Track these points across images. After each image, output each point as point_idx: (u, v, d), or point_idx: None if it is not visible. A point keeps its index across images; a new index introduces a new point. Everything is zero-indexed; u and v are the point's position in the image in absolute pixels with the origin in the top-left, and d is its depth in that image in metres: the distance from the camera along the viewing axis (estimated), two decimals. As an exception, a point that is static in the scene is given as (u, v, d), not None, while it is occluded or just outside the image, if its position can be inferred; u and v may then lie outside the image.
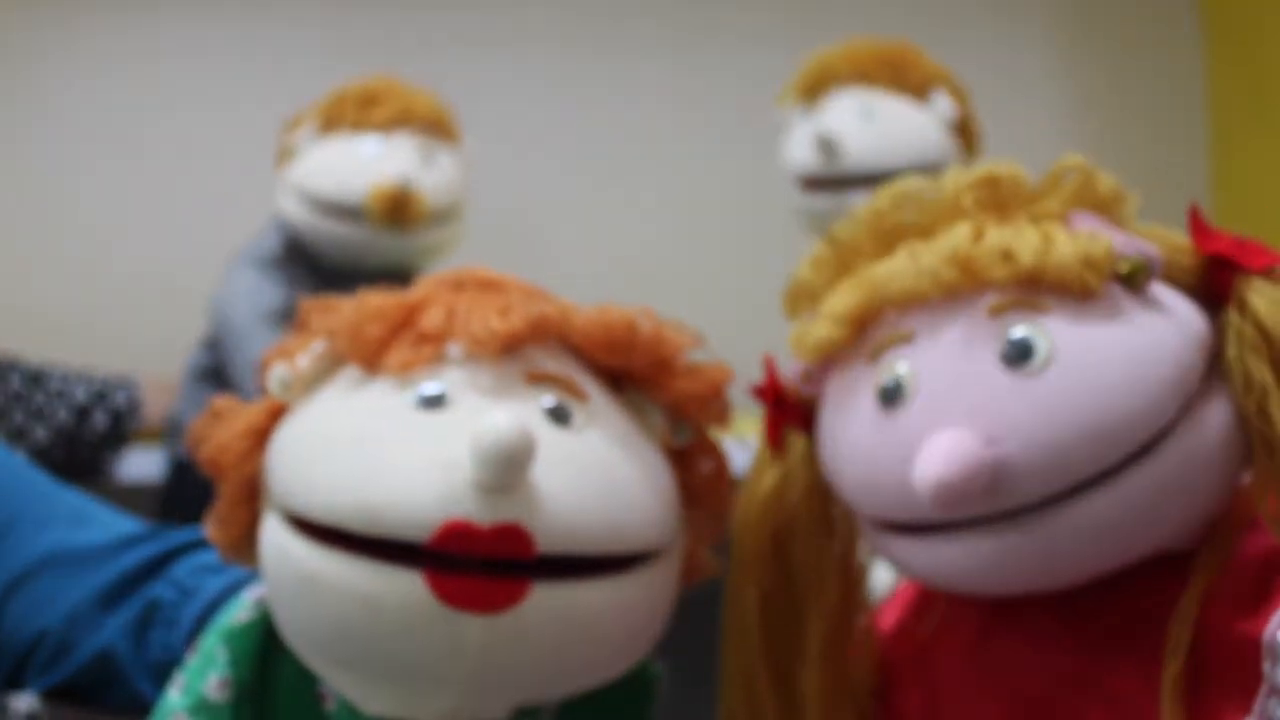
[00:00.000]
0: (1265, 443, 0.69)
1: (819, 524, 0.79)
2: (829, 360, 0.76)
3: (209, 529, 0.77)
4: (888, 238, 0.75)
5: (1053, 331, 0.69)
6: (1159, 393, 0.68)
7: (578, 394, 0.72)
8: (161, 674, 0.87)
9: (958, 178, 0.75)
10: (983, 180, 0.74)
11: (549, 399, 0.71)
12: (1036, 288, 0.70)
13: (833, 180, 1.75)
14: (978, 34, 2.37)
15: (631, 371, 0.76)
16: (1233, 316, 0.71)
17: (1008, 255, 0.70)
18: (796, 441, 0.80)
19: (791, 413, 0.79)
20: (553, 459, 0.67)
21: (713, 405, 0.77)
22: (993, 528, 0.69)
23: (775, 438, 0.80)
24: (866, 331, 0.74)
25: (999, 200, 0.74)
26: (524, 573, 0.67)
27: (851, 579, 0.80)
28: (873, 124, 1.75)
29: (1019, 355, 0.69)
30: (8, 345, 1.97)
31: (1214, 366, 0.71)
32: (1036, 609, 0.74)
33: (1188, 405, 0.69)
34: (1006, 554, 0.69)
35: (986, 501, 0.67)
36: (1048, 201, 0.73)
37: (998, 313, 0.70)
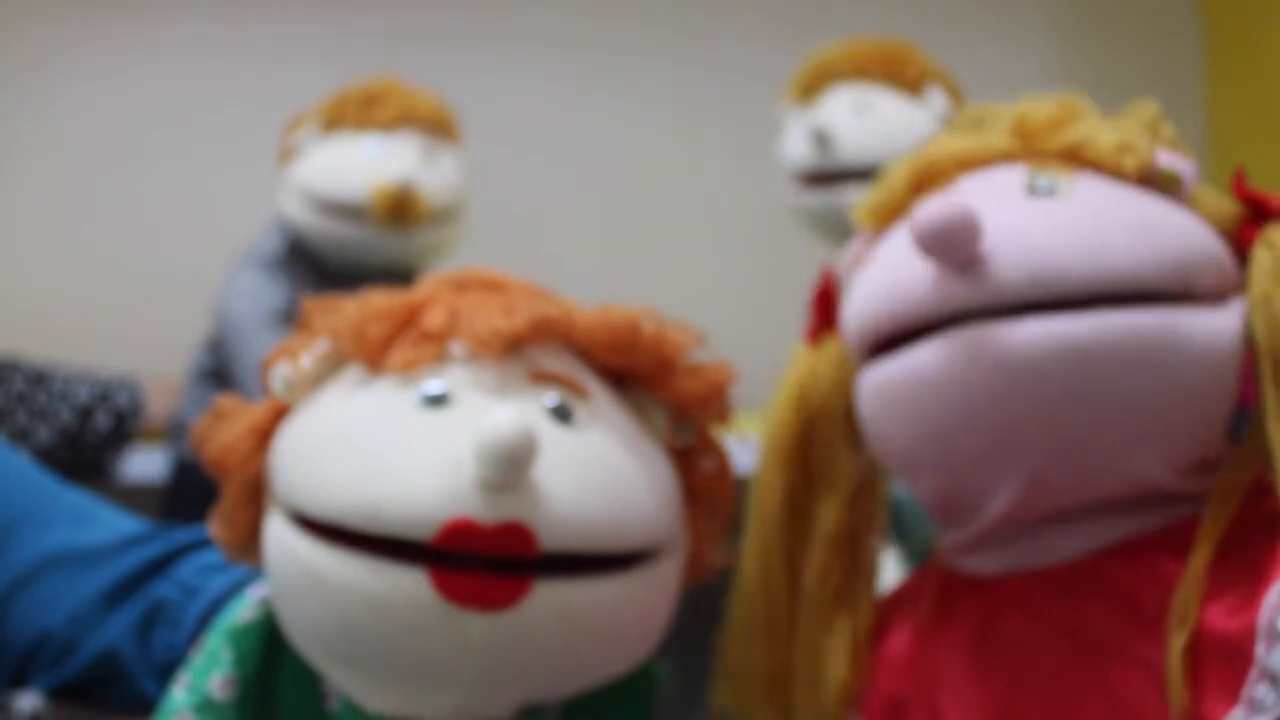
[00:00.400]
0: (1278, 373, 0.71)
1: (840, 419, 0.81)
2: (880, 230, 0.80)
3: (214, 528, 0.77)
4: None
5: (1079, 184, 0.74)
6: (1158, 250, 0.71)
7: (581, 393, 0.72)
8: (165, 673, 0.87)
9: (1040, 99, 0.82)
10: (1061, 104, 0.80)
11: (552, 398, 0.71)
12: (1076, 159, 0.76)
13: (827, 175, 1.76)
14: (977, 34, 2.38)
15: (634, 371, 0.76)
16: (1260, 252, 0.74)
17: (1057, 126, 0.77)
18: (831, 343, 0.82)
19: (835, 320, 0.82)
20: (555, 457, 0.68)
21: (715, 405, 0.77)
22: (973, 324, 0.70)
23: (815, 335, 0.84)
24: (920, 196, 0.78)
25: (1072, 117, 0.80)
26: (527, 571, 0.67)
27: (871, 487, 0.82)
28: (866, 118, 1.75)
29: (1041, 188, 0.74)
30: (10, 346, 1.98)
31: (1229, 295, 0.73)
32: (1037, 600, 0.75)
33: (1190, 295, 0.71)
34: (977, 353, 0.69)
35: (970, 278, 0.69)
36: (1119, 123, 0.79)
37: (1037, 168, 0.75)
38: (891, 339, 0.74)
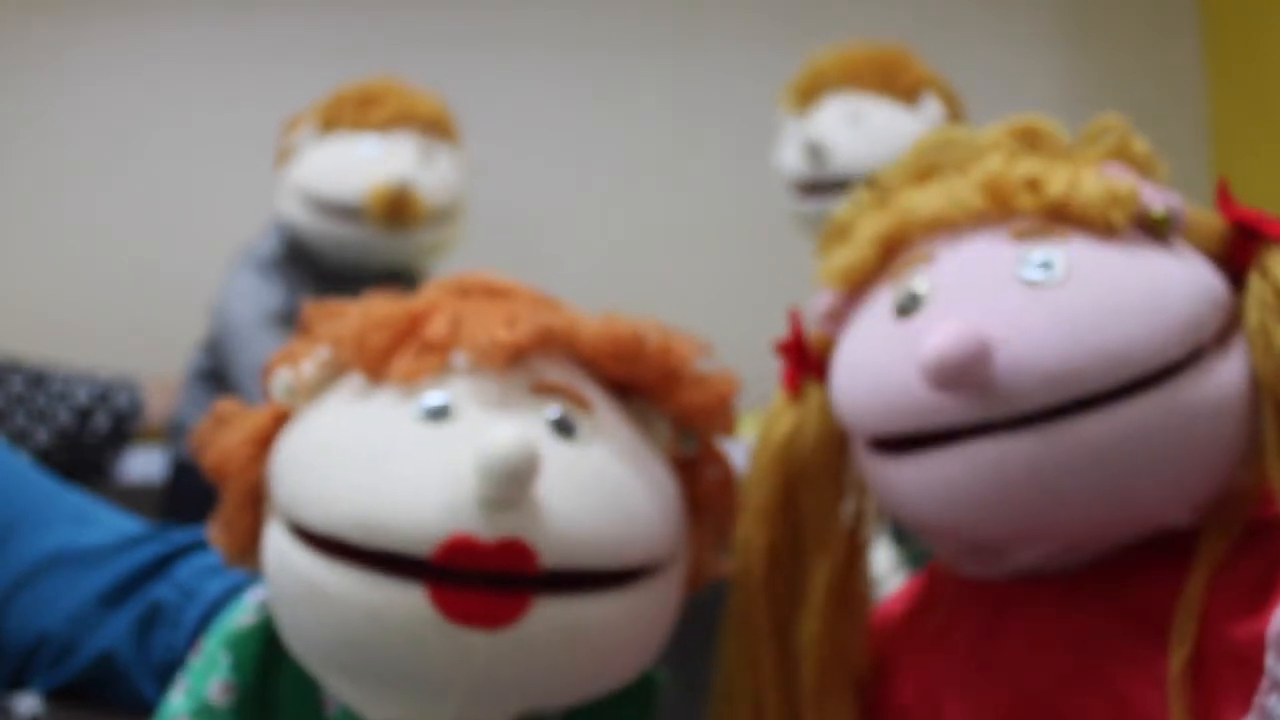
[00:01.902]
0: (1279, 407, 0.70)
1: (829, 475, 0.79)
2: (854, 290, 0.77)
3: (213, 534, 0.77)
4: (925, 176, 0.78)
5: (1072, 255, 0.70)
6: (1170, 324, 0.69)
7: (583, 405, 0.72)
8: (164, 675, 0.87)
9: (997, 126, 0.78)
10: (1022, 128, 0.77)
11: (554, 410, 0.71)
12: (1061, 218, 0.72)
13: (822, 185, 1.76)
14: (978, 35, 2.37)
15: (638, 382, 0.75)
16: (1255, 282, 0.72)
17: (1035, 185, 0.73)
18: (813, 392, 0.80)
19: (812, 365, 0.80)
20: (557, 473, 0.67)
21: (719, 416, 0.76)
22: (992, 436, 0.68)
23: (794, 386, 0.81)
24: (893, 257, 0.76)
25: (1035, 146, 0.76)
26: (527, 587, 0.66)
27: (857, 538, 0.81)
28: (860, 128, 1.76)
29: (1036, 271, 0.70)
30: (9, 346, 1.98)
31: (1231, 331, 0.72)
32: (1041, 604, 0.74)
33: (1199, 353, 0.70)
34: (1003, 468, 0.68)
35: (985, 396, 0.67)
36: (1084, 152, 0.76)
37: (1021, 237, 0.72)
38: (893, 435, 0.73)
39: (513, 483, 0.64)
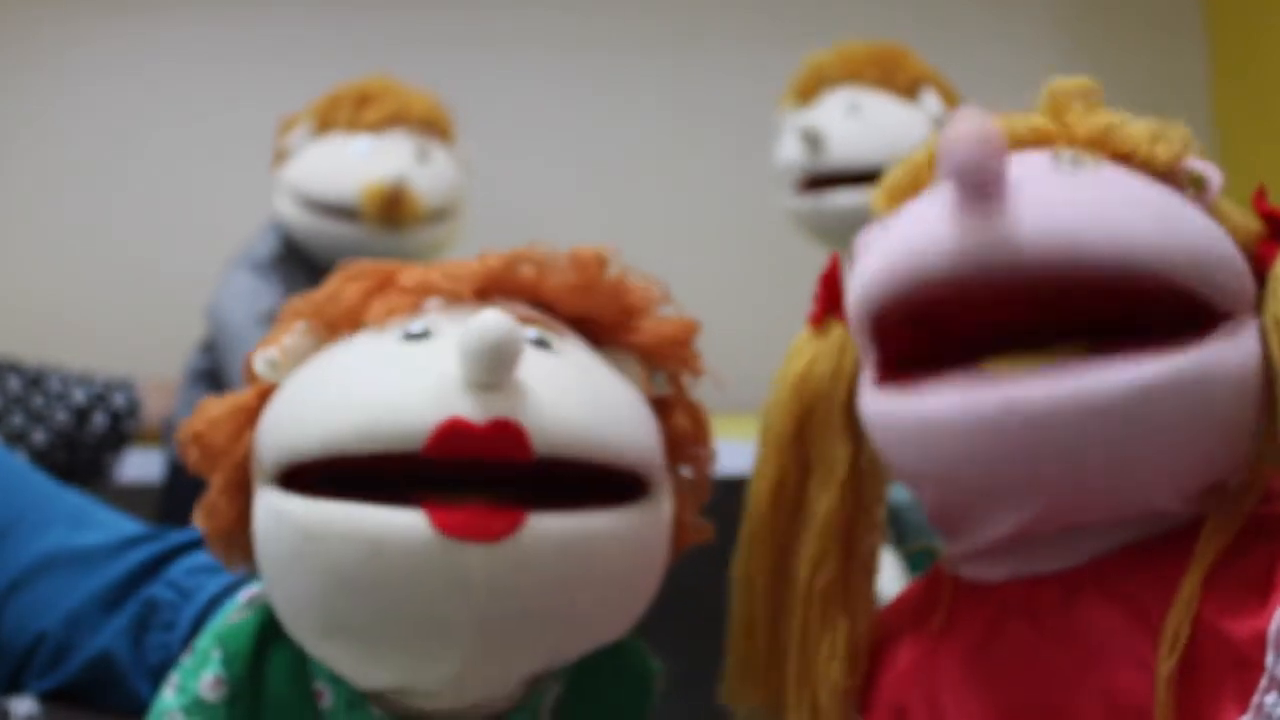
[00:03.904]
0: None
1: (838, 410, 0.80)
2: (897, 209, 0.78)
3: (199, 519, 0.77)
4: None
5: (1105, 167, 0.72)
6: (1182, 241, 0.69)
7: (558, 332, 0.74)
8: (160, 675, 0.87)
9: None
10: (1081, 86, 0.78)
11: (532, 332, 0.73)
12: (1103, 147, 0.74)
13: (820, 178, 1.75)
14: (979, 34, 2.37)
15: (601, 317, 0.77)
16: (1279, 268, 0.72)
17: (1086, 112, 0.75)
18: (835, 328, 0.81)
19: (838, 304, 0.81)
20: (541, 373, 0.69)
21: (684, 350, 0.78)
22: (997, 384, 0.68)
23: (819, 319, 0.82)
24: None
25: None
26: (522, 499, 0.67)
27: (866, 483, 0.81)
28: (858, 119, 1.75)
29: (1065, 164, 0.72)
30: (9, 346, 1.97)
31: (1244, 315, 0.71)
32: (1041, 606, 0.74)
33: (1208, 288, 0.69)
34: (1005, 403, 0.67)
35: (993, 240, 0.67)
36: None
37: (1060, 151, 0.73)
38: (901, 330, 0.73)
39: (498, 361, 0.66)
